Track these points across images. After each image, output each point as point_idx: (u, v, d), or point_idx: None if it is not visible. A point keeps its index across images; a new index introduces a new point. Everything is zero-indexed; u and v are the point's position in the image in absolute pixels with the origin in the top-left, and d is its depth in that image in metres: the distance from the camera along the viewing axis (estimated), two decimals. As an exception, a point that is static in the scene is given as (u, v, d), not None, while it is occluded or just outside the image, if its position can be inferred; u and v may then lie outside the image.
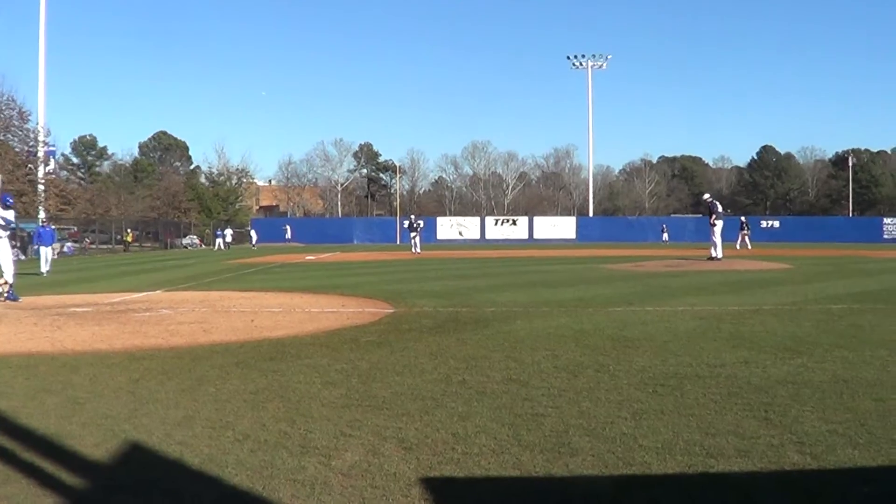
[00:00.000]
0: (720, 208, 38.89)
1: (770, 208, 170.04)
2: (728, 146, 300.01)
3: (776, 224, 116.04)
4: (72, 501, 6.03)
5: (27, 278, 31.20)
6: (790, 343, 12.78)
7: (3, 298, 20.65)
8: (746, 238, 68.22)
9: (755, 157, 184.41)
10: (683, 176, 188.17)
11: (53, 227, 46.92)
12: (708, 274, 30.26)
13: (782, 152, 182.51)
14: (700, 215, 39.74)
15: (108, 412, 8.65)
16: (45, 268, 39.18)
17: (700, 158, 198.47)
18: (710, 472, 6.38)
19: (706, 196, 41.14)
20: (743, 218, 76.12)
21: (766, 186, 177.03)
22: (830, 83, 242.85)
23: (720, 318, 16.17)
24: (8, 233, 23.84)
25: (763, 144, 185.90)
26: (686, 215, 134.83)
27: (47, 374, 11.10)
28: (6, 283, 21.58)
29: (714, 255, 37.39)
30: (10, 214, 23.85)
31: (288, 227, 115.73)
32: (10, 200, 24.36)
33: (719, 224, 37.58)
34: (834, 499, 6.01)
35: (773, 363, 11.04)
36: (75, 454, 7.14)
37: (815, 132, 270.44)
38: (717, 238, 37.58)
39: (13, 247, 23.57)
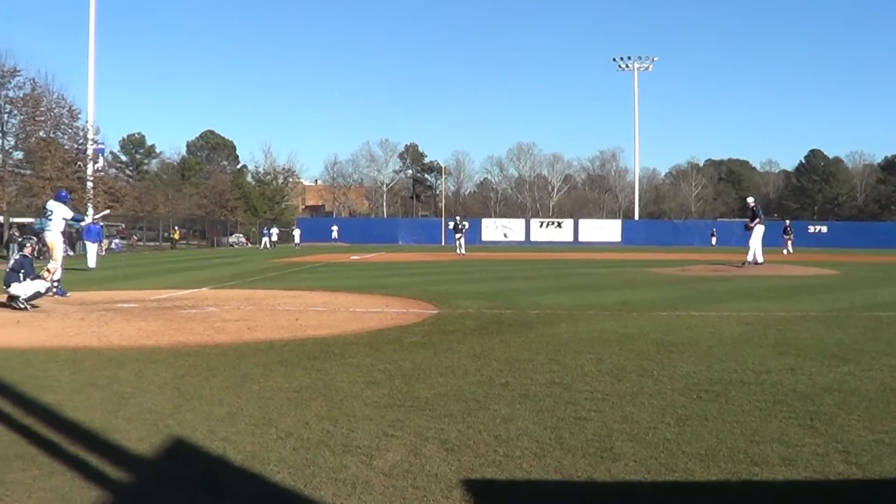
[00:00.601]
0: (759, 213, 38.54)
1: (818, 213, 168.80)
2: (776, 150, 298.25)
3: (824, 229, 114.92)
4: (115, 495, 6.07)
5: (75, 274, 31.40)
6: (837, 350, 12.68)
7: (51, 293, 20.78)
8: (789, 243, 67.76)
9: (803, 162, 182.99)
10: (730, 179, 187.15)
11: (101, 223, 47.15)
12: (754, 279, 30.04)
13: (830, 156, 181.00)
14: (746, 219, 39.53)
15: (153, 407, 8.71)
16: (91, 264, 39.43)
17: (747, 162, 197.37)
18: (754, 479, 6.34)
19: (750, 200, 40.76)
20: (787, 222, 75.60)
21: (813, 191, 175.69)
22: (880, 87, 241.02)
23: (766, 324, 16.06)
24: (64, 228, 24.02)
25: (811, 148, 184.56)
26: (733, 219, 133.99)
27: (93, 368, 11.20)
28: (49, 273, 21.67)
29: (751, 260, 36.99)
30: (66, 211, 23.97)
31: (335, 228, 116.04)
32: (66, 195, 24.51)
33: (760, 229, 37.25)
34: (879, 509, 5.97)
35: (819, 371, 10.96)
36: (120, 448, 7.19)
37: (863, 136, 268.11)
38: (757, 242, 37.26)
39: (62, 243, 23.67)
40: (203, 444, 7.32)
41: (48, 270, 21.86)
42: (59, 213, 23.43)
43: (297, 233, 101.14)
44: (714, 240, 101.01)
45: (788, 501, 6.05)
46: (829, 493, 6.17)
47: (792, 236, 69.49)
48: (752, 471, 6.51)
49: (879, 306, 20.00)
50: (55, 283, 22.22)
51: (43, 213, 24.54)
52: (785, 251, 65.04)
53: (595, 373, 10.83)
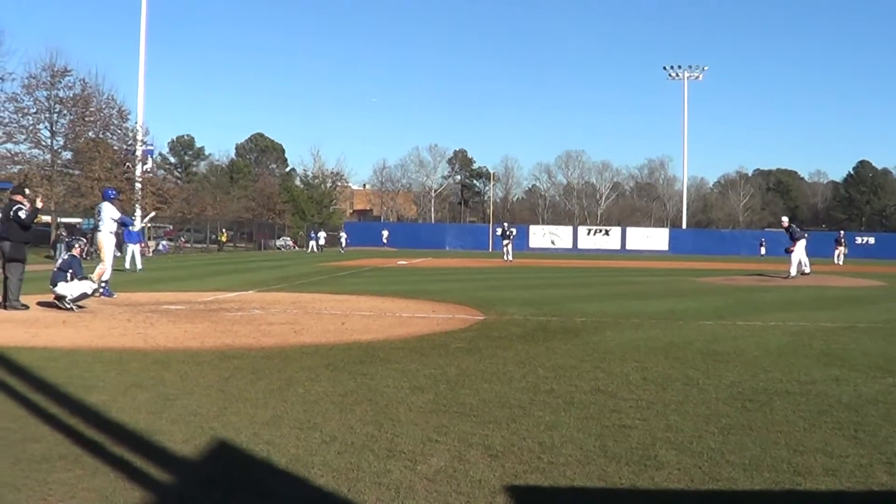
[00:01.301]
0: (796, 229, 38.39)
1: (865, 224, 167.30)
2: (824, 160, 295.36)
3: (871, 240, 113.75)
4: (159, 496, 6.12)
5: (121, 275, 31.59)
6: (882, 362, 12.61)
7: (98, 294, 20.91)
8: (841, 254, 67.26)
9: (851, 172, 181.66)
10: (779, 189, 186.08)
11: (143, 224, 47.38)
12: (800, 289, 29.89)
13: (879, 168, 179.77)
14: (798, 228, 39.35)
15: (198, 409, 8.77)
16: (131, 265, 39.60)
17: (795, 172, 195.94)
18: (797, 489, 6.33)
19: (784, 220, 40.56)
20: (841, 233, 75.02)
21: (861, 202, 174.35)
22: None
23: (812, 334, 15.99)
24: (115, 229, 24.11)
25: (860, 159, 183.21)
26: (780, 230, 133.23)
27: (139, 369, 11.27)
28: (98, 275, 21.81)
29: (794, 273, 36.80)
30: (113, 211, 24.09)
31: (385, 232, 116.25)
32: (113, 194, 24.56)
33: (801, 243, 37.06)
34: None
35: (865, 382, 10.91)
36: (164, 449, 7.25)
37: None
38: (798, 256, 37.05)
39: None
40: (247, 446, 7.37)
41: (97, 272, 22.04)
42: (107, 212, 23.56)
43: (342, 237, 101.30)
44: (763, 250, 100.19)
45: (832, 513, 6.04)
46: (873, 505, 6.17)
47: (845, 249, 68.89)
48: (795, 481, 6.50)
49: (927, 319, 19.85)
50: (103, 284, 22.37)
51: (95, 214, 24.62)
52: (837, 261, 64.62)
53: (640, 381, 10.83)
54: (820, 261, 51.59)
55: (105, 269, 22.59)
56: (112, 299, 21.79)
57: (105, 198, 24.20)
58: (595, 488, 6.38)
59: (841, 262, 64.94)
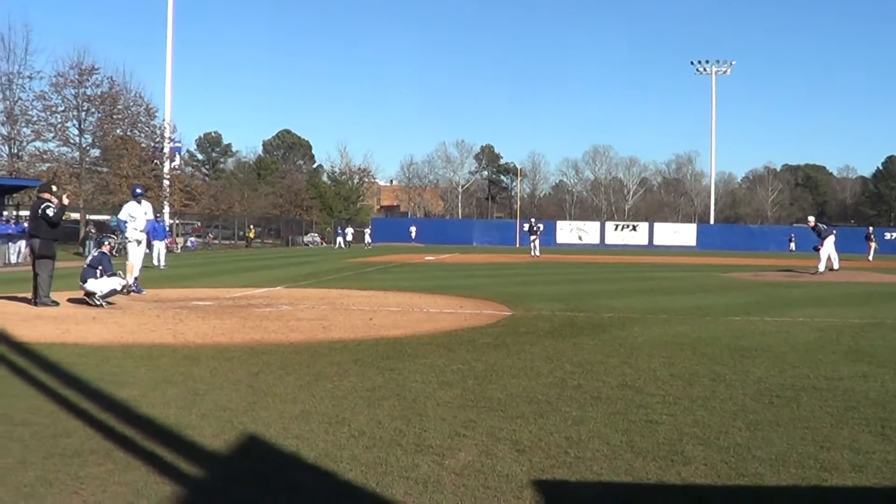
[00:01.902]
0: (823, 227, 38.36)
1: (894, 220, 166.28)
2: (853, 155, 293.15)
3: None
4: (189, 490, 6.18)
5: (149, 272, 31.70)
6: (911, 358, 12.58)
7: (127, 291, 20.97)
8: (872, 250, 66.94)
9: (880, 168, 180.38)
10: (807, 185, 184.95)
11: (161, 220, 47.48)
12: (829, 285, 29.79)
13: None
14: (825, 226, 39.22)
15: (227, 404, 8.84)
16: (158, 262, 39.67)
17: (824, 167, 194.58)
18: (824, 485, 6.34)
19: (811, 220, 40.52)
20: (870, 229, 74.57)
21: (891, 198, 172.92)
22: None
23: (840, 330, 15.95)
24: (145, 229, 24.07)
25: (889, 154, 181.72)
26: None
27: (169, 365, 11.36)
28: (129, 271, 21.88)
29: (822, 269, 36.76)
30: (149, 209, 24.09)
31: (413, 228, 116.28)
32: (140, 191, 24.49)
33: (829, 240, 37.00)
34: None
35: (892, 378, 10.89)
36: (194, 444, 7.31)
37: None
38: (828, 252, 36.98)
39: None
40: (276, 441, 7.43)
41: (128, 267, 22.15)
42: (126, 210, 23.57)
43: (367, 232, 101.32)
44: (792, 245, 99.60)
45: (858, 508, 6.06)
46: (900, 501, 6.18)
47: (875, 244, 68.51)
48: (821, 476, 6.51)
49: (956, 314, 19.78)
50: (135, 280, 22.46)
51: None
52: (870, 257, 64.36)
53: (667, 376, 10.84)
54: (849, 256, 51.30)
55: (133, 265, 22.66)
56: (141, 296, 21.87)
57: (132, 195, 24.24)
58: (622, 483, 6.41)
59: (871, 258, 64.58)
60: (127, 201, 24.72)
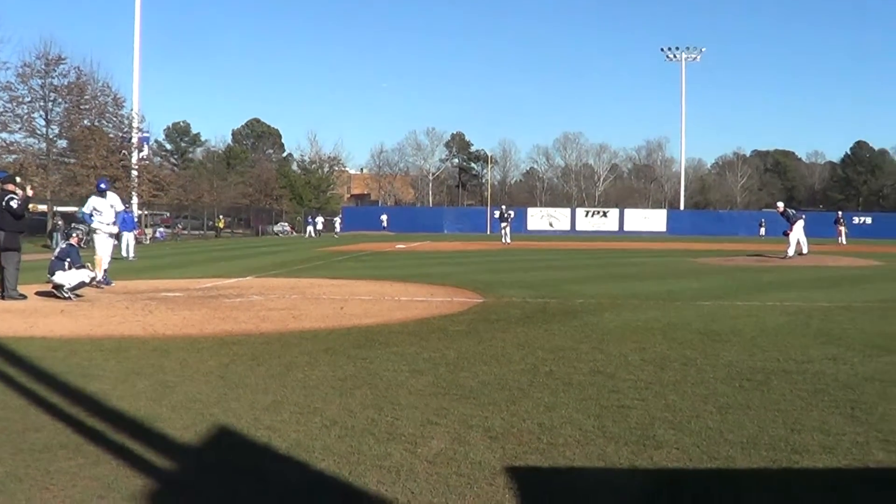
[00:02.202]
0: (792, 213, 38.56)
1: (863, 204, 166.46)
2: (821, 141, 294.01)
3: (868, 220, 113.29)
4: (161, 483, 6.15)
5: (118, 263, 31.54)
6: (879, 341, 12.67)
7: (96, 283, 20.81)
8: (843, 234, 67.31)
9: (848, 153, 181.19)
10: (776, 170, 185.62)
11: (130, 211, 47.26)
12: (798, 269, 29.96)
13: (876, 148, 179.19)
14: (794, 210, 39.31)
15: (198, 396, 8.82)
16: (127, 253, 39.24)
17: (793, 153, 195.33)
18: (795, 467, 6.38)
19: (780, 205, 40.70)
20: (839, 213, 74.93)
21: (859, 182, 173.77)
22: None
23: (809, 314, 16.04)
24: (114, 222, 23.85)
25: (857, 140, 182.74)
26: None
27: (138, 357, 11.32)
28: (93, 270, 21.75)
29: (791, 253, 36.97)
30: (116, 201, 23.89)
31: (385, 216, 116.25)
32: (104, 186, 24.22)
33: (799, 224, 37.19)
34: (920, 497, 6.00)
35: (862, 360, 10.96)
36: (165, 437, 7.29)
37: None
38: (794, 238, 37.16)
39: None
40: (248, 432, 7.41)
41: (96, 260, 22.04)
42: (90, 204, 23.41)
43: (337, 221, 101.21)
44: (762, 230, 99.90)
45: (829, 489, 6.08)
46: (870, 481, 6.20)
47: (845, 228, 68.91)
48: (792, 459, 6.55)
49: (924, 297, 19.93)
50: (104, 273, 22.36)
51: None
52: (841, 240, 64.76)
53: (638, 362, 10.89)
54: (820, 241, 51.54)
55: (102, 259, 22.54)
56: (110, 288, 21.77)
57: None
58: (594, 468, 6.43)
59: (845, 242, 64.96)
60: (92, 193, 24.51)
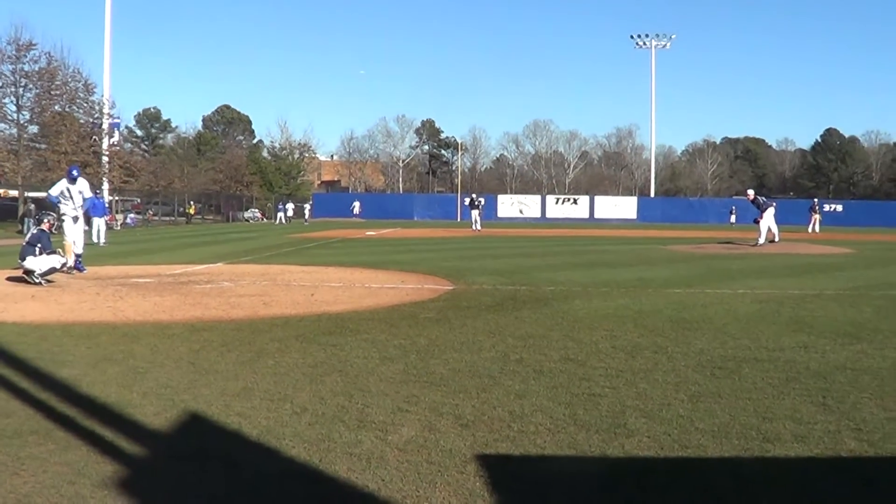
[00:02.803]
0: (762, 200, 38.70)
1: (833, 192, 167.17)
2: (792, 128, 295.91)
3: (839, 208, 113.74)
4: (132, 469, 6.11)
5: (89, 249, 31.42)
6: (850, 329, 12.71)
7: (67, 269, 20.71)
8: (817, 222, 67.46)
9: (819, 140, 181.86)
10: (746, 157, 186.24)
11: (101, 197, 47.09)
12: (769, 257, 30.06)
13: (847, 135, 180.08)
14: (765, 198, 39.38)
15: (169, 382, 8.78)
16: (98, 239, 38.92)
17: (763, 140, 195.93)
18: (766, 456, 6.38)
19: (750, 193, 40.84)
20: (815, 200, 75.16)
21: (829, 170, 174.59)
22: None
23: (780, 301, 16.09)
24: (83, 208, 23.73)
25: (827, 127, 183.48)
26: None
27: (109, 343, 11.27)
28: (67, 249, 21.66)
29: (762, 241, 37.11)
30: (84, 187, 23.77)
31: (357, 203, 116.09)
32: (76, 173, 24.07)
33: (769, 212, 37.33)
34: (891, 486, 6.00)
35: (833, 349, 11.00)
36: (135, 423, 7.26)
37: (880, 116, 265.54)
38: (765, 226, 37.30)
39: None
40: (218, 419, 7.39)
41: (66, 246, 21.94)
42: (58, 187, 23.29)
43: (307, 208, 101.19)
44: (733, 218, 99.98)
45: (800, 478, 6.09)
46: (841, 470, 6.22)
47: (818, 216, 68.99)
48: (764, 447, 6.55)
49: (894, 285, 20.06)
50: (77, 258, 22.27)
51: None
52: (810, 229, 64.86)
53: (609, 349, 10.89)
54: (790, 228, 51.79)
55: (73, 245, 22.42)
56: (82, 274, 21.68)
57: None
58: (565, 456, 6.42)
59: (817, 230, 65.05)
60: (61, 178, 24.34)
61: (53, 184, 23.74)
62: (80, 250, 22.73)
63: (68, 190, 22.94)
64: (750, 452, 6.46)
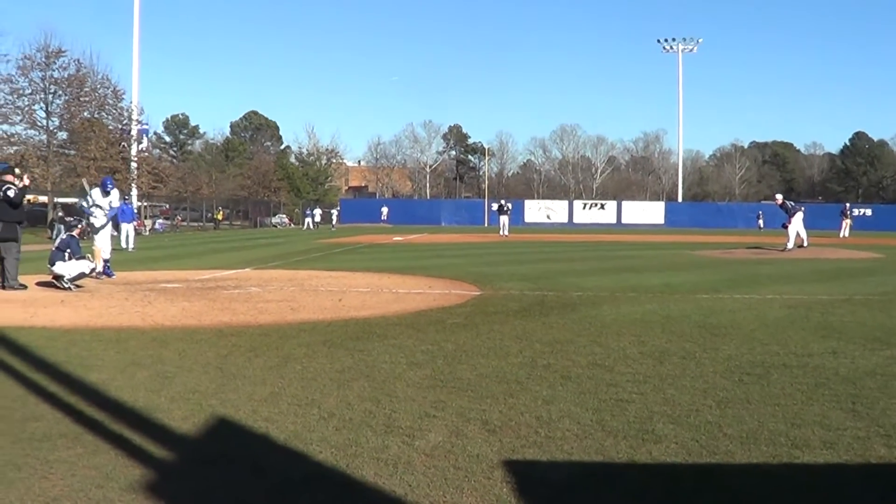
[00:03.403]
0: (791, 205, 38.58)
1: (862, 196, 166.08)
2: (820, 132, 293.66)
3: (868, 212, 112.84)
4: (159, 473, 6.14)
5: (117, 254, 31.54)
6: (880, 334, 12.63)
7: (95, 274, 20.79)
8: (847, 227, 67.02)
9: (847, 144, 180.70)
10: (775, 162, 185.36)
11: (130, 202, 47.30)
12: (798, 262, 29.91)
13: (875, 139, 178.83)
14: (793, 203, 39.41)
15: (196, 387, 8.81)
16: (127, 244, 39.10)
17: (791, 144, 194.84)
18: (795, 462, 6.35)
19: (779, 197, 40.74)
20: (846, 205, 74.76)
21: (858, 174, 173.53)
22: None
23: (809, 307, 16.00)
24: (110, 217, 23.89)
25: (856, 131, 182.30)
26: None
27: (137, 348, 11.31)
28: (96, 255, 21.77)
29: (791, 246, 37.01)
30: (115, 198, 23.91)
31: (385, 209, 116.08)
32: (110, 185, 24.20)
33: (798, 216, 37.21)
34: (921, 493, 5.97)
35: (862, 354, 10.93)
36: (163, 427, 7.28)
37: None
38: (793, 231, 37.20)
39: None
40: (246, 423, 7.40)
41: (95, 251, 22.04)
42: (93, 197, 23.42)
43: (334, 214, 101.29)
44: (761, 223, 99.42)
45: (829, 484, 6.05)
46: (870, 477, 6.18)
47: (850, 220, 68.48)
48: (792, 454, 6.52)
49: (924, 290, 19.90)
50: (106, 263, 22.38)
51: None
52: (842, 234, 64.46)
53: (637, 355, 10.85)
54: (819, 233, 51.62)
55: (101, 250, 22.54)
56: (111, 279, 21.80)
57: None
58: (592, 462, 6.40)
59: (847, 235, 64.62)
60: (95, 186, 24.42)
61: (86, 192, 23.83)
62: (107, 255, 22.84)
63: (100, 200, 23.12)
64: (778, 459, 6.42)
